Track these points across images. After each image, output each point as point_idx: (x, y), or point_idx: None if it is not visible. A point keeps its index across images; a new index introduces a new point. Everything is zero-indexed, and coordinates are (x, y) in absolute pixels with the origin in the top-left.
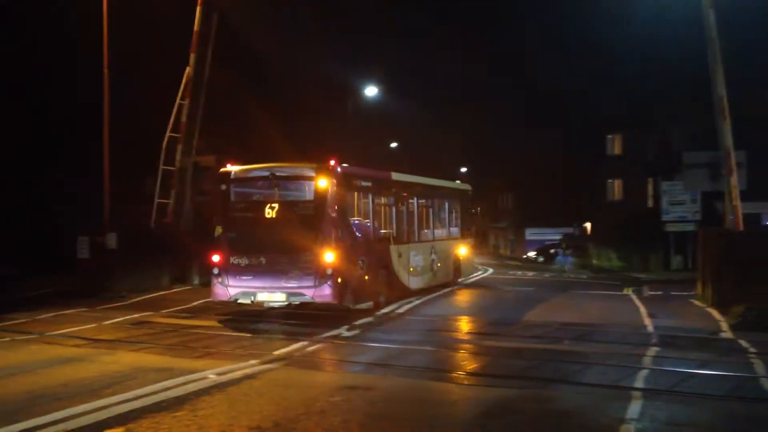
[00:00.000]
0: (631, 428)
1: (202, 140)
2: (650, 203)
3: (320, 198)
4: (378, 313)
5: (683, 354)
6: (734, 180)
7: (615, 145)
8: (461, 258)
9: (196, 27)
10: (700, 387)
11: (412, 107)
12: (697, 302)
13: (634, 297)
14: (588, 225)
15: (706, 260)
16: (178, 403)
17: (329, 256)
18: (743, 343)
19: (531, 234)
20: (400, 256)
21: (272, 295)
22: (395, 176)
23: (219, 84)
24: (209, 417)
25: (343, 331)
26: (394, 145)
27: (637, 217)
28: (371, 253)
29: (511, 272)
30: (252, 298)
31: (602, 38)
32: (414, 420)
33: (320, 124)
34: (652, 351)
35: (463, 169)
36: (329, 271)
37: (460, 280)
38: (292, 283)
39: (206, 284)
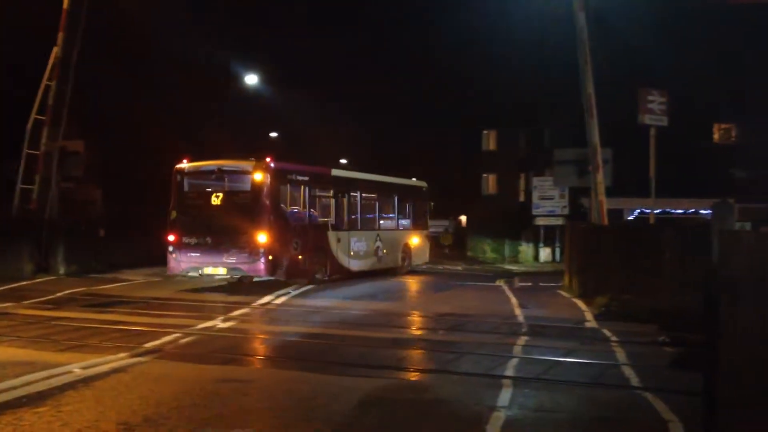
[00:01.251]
0: (501, 415)
1: (70, 124)
2: (522, 197)
3: (256, 189)
4: (259, 301)
5: (551, 343)
6: (600, 176)
7: (490, 141)
8: (412, 247)
9: (65, 5)
10: (566, 374)
11: (300, 99)
12: (564, 293)
13: (505, 288)
14: (464, 218)
15: (572, 253)
16: (40, 398)
17: (262, 237)
18: (606, 332)
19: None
20: (339, 240)
21: (216, 269)
22: (335, 172)
23: (91, 66)
24: (74, 413)
25: (219, 322)
26: (274, 134)
27: (509, 211)
28: (307, 237)
29: None
30: (200, 271)
31: (481, 35)
32: (290, 411)
33: (197, 110)
34: (522, 340)
35: (343, 161)
36: (261, 250)
37: (412, 266)
38: (232, 260)
39: (72, 274)
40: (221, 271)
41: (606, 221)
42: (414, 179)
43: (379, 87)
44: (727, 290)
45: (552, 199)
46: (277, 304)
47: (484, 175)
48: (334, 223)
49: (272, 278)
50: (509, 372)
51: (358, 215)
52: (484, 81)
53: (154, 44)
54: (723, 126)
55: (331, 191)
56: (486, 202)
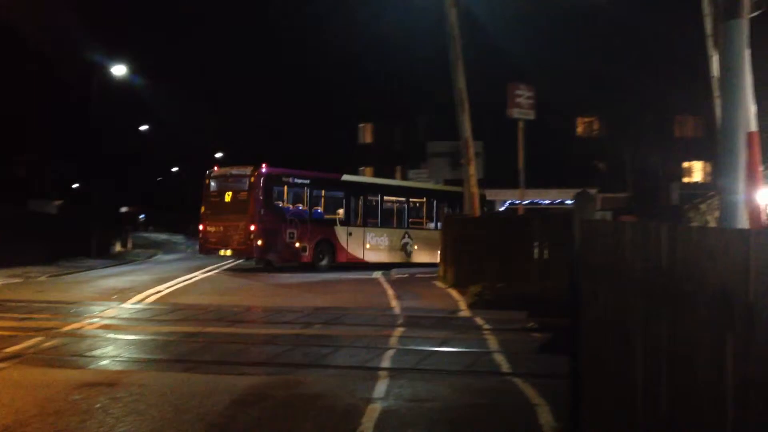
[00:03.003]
0: (377, 407)
1: None
2: None
3: (251, 189)
4: (128, 303)
5: (426, 333)
6: (472, 168)
7: (366, 133)
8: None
9: None
10: (441, 364)
11: (175, 92)
12: (439, 284)
13: (382, 280)
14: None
15: (446, 244)
16: None
17: (252, 227)
18: (479, 320)
19: None
20: (350, 234)
21: (225, 251)
22: (345, 177)
23: None
24: None
25: (86, 323)
26: (144, 127)
27: None
28: (305, 230)
29: None
30: (217, 252)
31: (358, 28)
32: (161, 414)
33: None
34: (398, 331)
35: (219, 155)
36: (252, 236)
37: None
38: (235, 244)
39: None
40: (229, 252)
41: (478, 212)
42: (440, 184)
43: (255, 81)
44: (587, 277)
45: None
46: (150, 302)
47: (361, 168)
48: (343, 219)
49: (269, 260)
50: (385, 363)
51: (378, 214)
52: (359, 75)
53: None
54: (586, 119)
55: (342, 193)
56: None
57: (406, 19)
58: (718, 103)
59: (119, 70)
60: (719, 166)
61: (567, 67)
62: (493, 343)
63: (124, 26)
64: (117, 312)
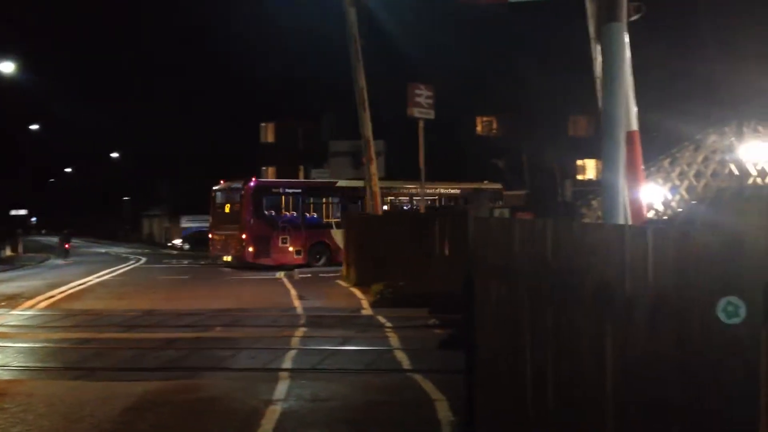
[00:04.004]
0: (277, 408)
1: None
2: None
3: (243, 200)
4: (17, 310)
5: (328, 332)
6: (374, 167)
7: (268, 133)
8: None
9: None
10: (342, 363)
11: (68, 91)
12: (342, 283)
13: (286, 280)
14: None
15: (349, 243)
16: None
17: (244, 234)
18: (381, 318)
19: (186, 221)
20: None
21: (227, 257)
22: (341, 183)
23: None
24: None
25: None
26: (34, 127)
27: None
28: (299, 234)
29: (165, 261)
30: (222, 258)
31: (260, 28)
32: (52, 424)
33: None
34: (300, 332)
35: (115, 155)
36: (244, 243)
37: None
38: (232, 250)
39: None
40: (229, 259)
41: (380, 211)
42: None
43: (154, 80)
44: (480, 273)
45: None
46: (42, 309)
47: (263, 168)
48: (339, 222)
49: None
50: (286, 364)
51: None
52: (260, 73)
53: None
54: (485, 119)
55: (338, 198)
56: None
57: (308, 18)
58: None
59: (6, 67)
60: (602, 164)
61: (466, 68)
62: (394, 340)
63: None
64: (5, 319)
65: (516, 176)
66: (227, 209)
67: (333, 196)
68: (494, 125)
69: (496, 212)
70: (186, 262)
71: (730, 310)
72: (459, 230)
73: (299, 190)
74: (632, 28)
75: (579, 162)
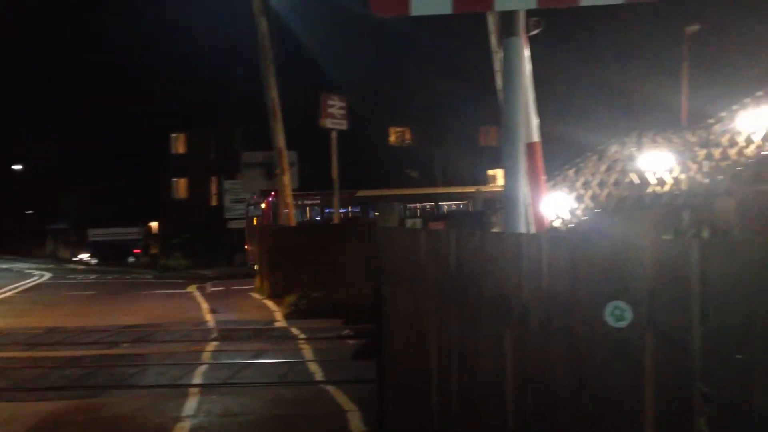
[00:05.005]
0: (186, 425)
1: None
2: (214, 201)
3: (264, 212)
4: None
5: (240, 346)
6: (287, 178)
7: (179, 144)
8: None
9: None
10: (254, 376)
11: None
12: (255, 295)
13: (197, 294)
14: (154, 224)
15: (262, 254)
16: None
17: None
18: (294, 330)
19: (95, 235)
20: None
21: (256, 266)
22: (361, 193)
23: None
24: None
25: None
26: None
27: (201, 215)
28: None
29: (71, 276)
30: (254, 266)
31: (169, 38)
32: None
33: None
34: (212, 346)
35: (17, 167)
36: None
37: None
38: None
39: None
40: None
41: (294, 222)
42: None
43: (56, 90)
44: (388, 282)
45: (245, 202)
46: None
47: (174, 179)
48: None
49: None
50: (196, 380)
51: None
52: (170, 83)
53: None
54: (398, 129)
55: (359, 207)
56: (178, 207)
57: (220, 27)
58: None
59: None
60: (503, 175)
61: (379, 78)
62: (308, 352)
63: None
64: None
65: (429, 186)
66: (254, 222)
67: (354, 205)
68: (407, 135)
69: (409, 222)
70: (93, 277)
71: (618, 314)
72: (370, 240)
73: (318, 201)
74: (540, 42)
75: (490, 172)
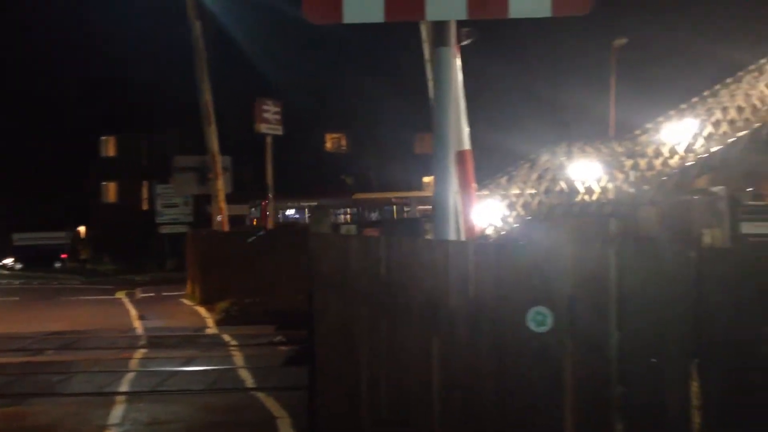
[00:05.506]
0: None
1: None
2: (145, 206)
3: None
4: None
5: (169, 353)
6: (220, 183)
7: (109, 147)
8: None
9: None
10: (183, 383)
11: None
12: (186, 301)
13: (126, 300)
14: (82, 229)
15: (194, 260)
16: None
17: None
18: (226, 337)
19: (20, 239)
20: None
21: None
22: (356, 196)
23: None
24: None
25: None
26: None
27: (132, 220)
28: None
29: None
30: None
31: (98, 39)
32: None
33: None
34: (140, 353)
35: None
36: None
37: None
38: None
39: None
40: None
41: (227, 227)
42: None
43: None
44: (320, 288)
45: (176, 206)
46: None
47: (104, 183)
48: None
49: None
50: (123, 387)
51: None
52: (101, 86)
53: None
54: (334, 135)
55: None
56: (107, 211)
57: (154, 29)
58: None
59: None
60: (434, 183)
61: (316, 85)
62: (239, 359)
63: None
64: None
65: (365, 192)
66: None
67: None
68: (343, 142)
69: (343, 228)
70: (17, 282)
71: (539, 320)
72: (304, 246)
73: (315, 204)
74: (473, 52)
75: (425, 179)
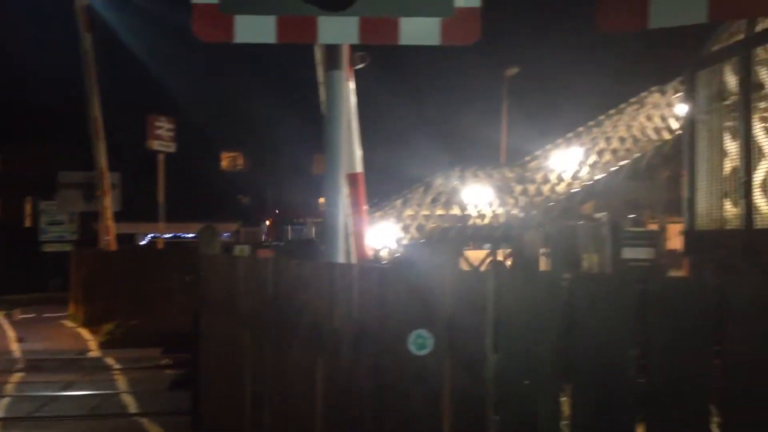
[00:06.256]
0: None
1: None
2: (28, 222)
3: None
4: None
5: (49, 377)
6: (108, 201)
7: None
8: None
9: None
10: (63, 409)
11: None
12: (69, 323)
13: (3, 321)
14: None
15: (78, 280)
16: None
17: None
18: (109, 360)
19: None
20: None
21: None
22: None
23: None
24: None
25: None
26: None
27: (14, 237)
28: None
29: None
30: None
31: None
32: None
33: None
34: (17, 377)
35: None
36: None
37: None
38: None
39: None
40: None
41: (115, 246)
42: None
43: None
44: (207, 309)
45: (62, 224)
46: None
47: None
48: None
49: None
50: None
51: None
52: None
53: None
54: (230, 154)
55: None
56: None
57: (40, 39)
58: None
59: None
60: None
61: (212, 103)
62: (122, 383)
63: None
64: None
65: (261, 213)
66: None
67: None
68: (239, 161)
69: (236, 249)
70: None
71: (420, 342)
72: (192, 267)
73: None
74: (369, 76)
75: (321, 200)
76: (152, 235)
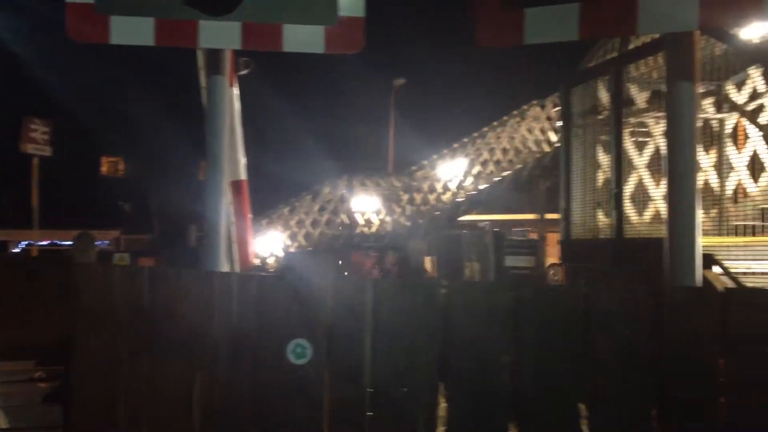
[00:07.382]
0: None
1: None
2: None
3: None
4: None
5: None
6: None
7: None
8: None
9: None
10: None
11: None
12: None
13: None
14: None
15: None
16: None
17: None
18: None
19: None
20: None
21: None
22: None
23: None
24: None
25: None
26: None
27: None
28: None
29: None
30: None
31: None
32: None
33: None
34: None
35: None
36: None
37: None
38: None
39: None
40: None
41: None
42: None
43: None
44: (80, 321)
45: None
46: None
47: None
48: None
49: None
50: None
51: None
52: None
53: None
54: (111, 159)
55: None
56: None
57: None
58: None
59: None
60: (205, 212)
61: (94, 105)
62: None
63: None
64: None
65: (143, 220)
66: None
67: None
68: (120, 166)
69: (116, 257)
70: None
71: (299, 352)
72: (67, 276)
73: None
74: (256, 82)
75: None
76: (27, 242)
